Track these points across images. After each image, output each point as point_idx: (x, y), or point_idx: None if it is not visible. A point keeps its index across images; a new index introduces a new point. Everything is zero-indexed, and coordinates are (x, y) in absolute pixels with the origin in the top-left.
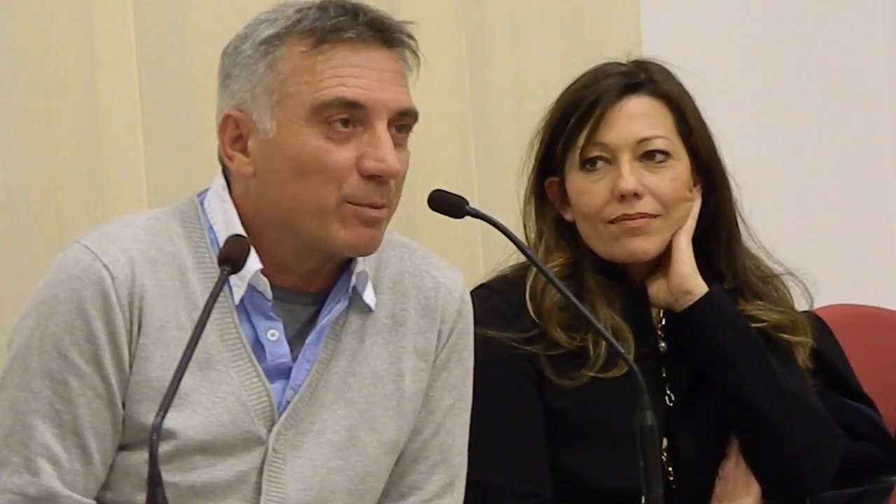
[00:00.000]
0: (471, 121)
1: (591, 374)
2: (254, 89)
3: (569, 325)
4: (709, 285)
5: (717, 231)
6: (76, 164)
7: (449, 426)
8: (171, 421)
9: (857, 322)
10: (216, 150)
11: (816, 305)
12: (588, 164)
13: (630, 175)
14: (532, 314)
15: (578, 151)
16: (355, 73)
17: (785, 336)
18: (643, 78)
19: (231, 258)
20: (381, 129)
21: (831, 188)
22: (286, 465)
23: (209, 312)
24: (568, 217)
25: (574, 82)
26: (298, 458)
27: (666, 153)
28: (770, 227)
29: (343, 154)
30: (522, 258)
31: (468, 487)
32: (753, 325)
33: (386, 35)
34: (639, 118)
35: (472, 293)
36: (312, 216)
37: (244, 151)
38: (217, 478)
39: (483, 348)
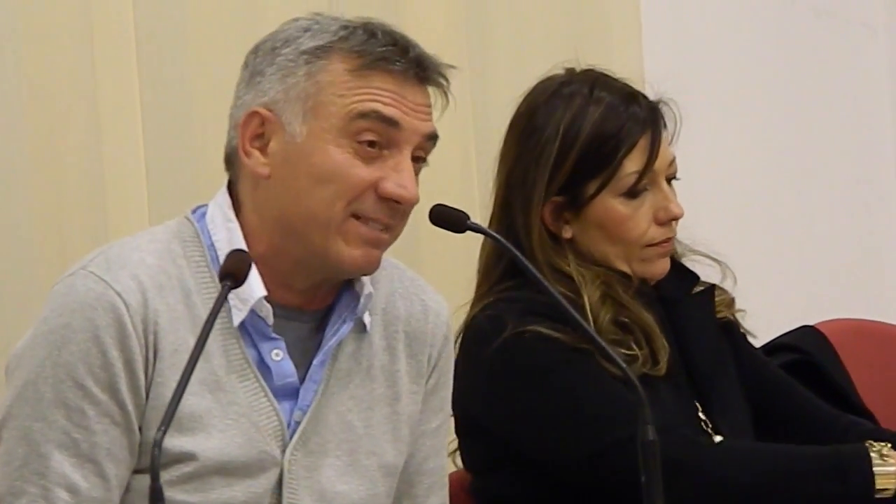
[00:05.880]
0: (472, 135)
1: (644, 370)
2: (288, 91)
3: (619, 340)
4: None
5: None
6: (77, 180)
7: (438, 448)
8: (190, 444)
9: (859, 336)
10: (217, 162)
11: (817, 320)
12: (635, 190)
13: (674, 199)
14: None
15: (631, 179)
16: (392, 98)
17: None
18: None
19: (232, 272)
20: (407, 156)
21: (833, 202)
22: (300, 486)
23: (209, 330)
24: (567, 235)
25: (582, 105)
26: (309, 479)
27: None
28: (771, 241)
29: (366, 172)
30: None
31: (608, 451)
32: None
33: (427, 74)
34: (665, 139)
35: (490, 306)
36: (319, 228)
37: (263, 151)
38: (234, 499)
39: (543, 340)
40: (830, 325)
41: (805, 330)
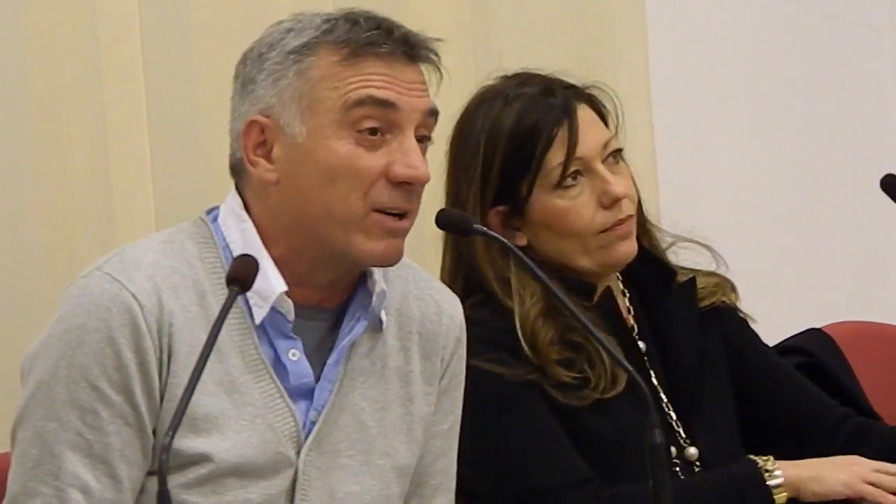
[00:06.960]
0: None
1: (597, 395)
2: (282, 94)
3: (565, 360)
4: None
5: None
6: (84, 185)
7: (447, 450)
8: (206, 445)
9: (866, 339)
10: (224, 165)
11: (824, 323)
12: (567, 181)
13: (615, 179)
14: (527, 352)
15: (558, 171)
16: (384, 80)
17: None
18: (572, 86)
19: (239, 278)
20: (410, 135)
21: (840, 204)
22: (312, 487)
23: (216, 335)
24: (521, 242)
25: (499, 110)
26: (321, 480)
27: (620, 150)
28: (778, 244)
29: (373, 160)
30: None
31: (521, 498)
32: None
33: (415, 51)
34: (592, 123)
35: None
36: (338, 225)
37: (268, 158)
38: (249, 501)
39: (482, 376)
40: (837, 328)
41: (812, 332)
